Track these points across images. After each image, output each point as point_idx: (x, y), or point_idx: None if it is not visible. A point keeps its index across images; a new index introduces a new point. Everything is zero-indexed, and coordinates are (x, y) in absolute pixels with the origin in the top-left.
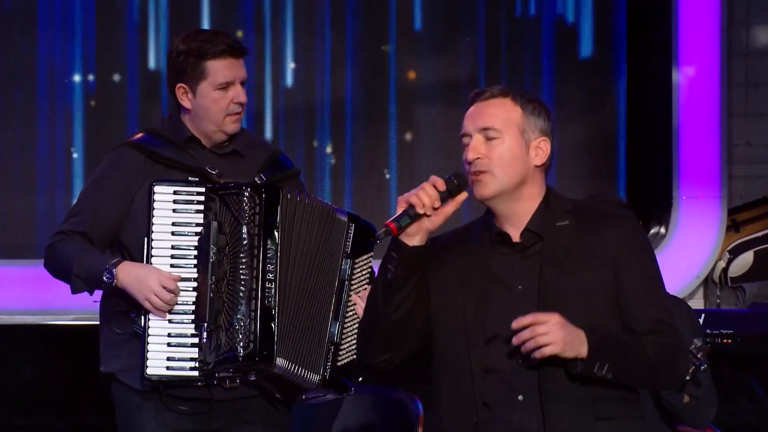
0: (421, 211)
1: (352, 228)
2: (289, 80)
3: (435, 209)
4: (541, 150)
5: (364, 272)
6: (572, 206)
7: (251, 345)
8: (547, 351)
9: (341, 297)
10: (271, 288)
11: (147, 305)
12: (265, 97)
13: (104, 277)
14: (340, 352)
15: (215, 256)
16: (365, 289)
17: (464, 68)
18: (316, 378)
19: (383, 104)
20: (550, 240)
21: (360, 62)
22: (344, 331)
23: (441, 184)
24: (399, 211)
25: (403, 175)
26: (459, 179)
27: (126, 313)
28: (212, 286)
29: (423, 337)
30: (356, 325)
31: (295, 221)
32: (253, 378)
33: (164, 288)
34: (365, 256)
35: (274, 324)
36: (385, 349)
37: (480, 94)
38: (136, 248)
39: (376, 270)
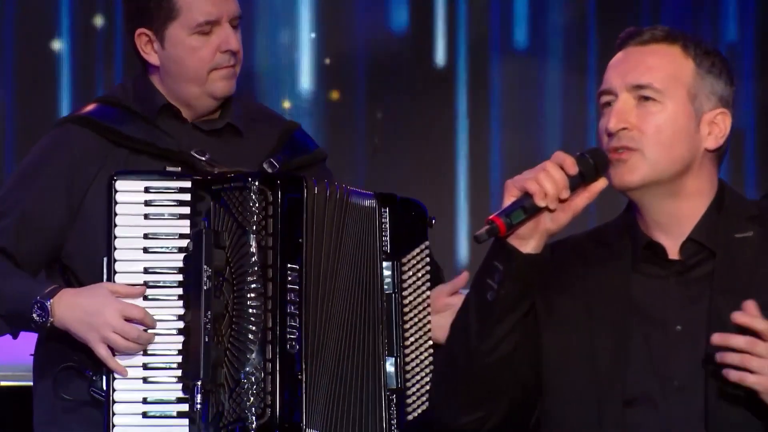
0: (542, 204)
1: (386, 213)
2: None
3: (561, 201)
4: (717, 127)
5: (420, 272)
6: (758, 210)
7: (268, 411)
8: (750, 380)
9: (392, 320)
10: (294, 326)
11: (101, 353)
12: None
13: (34, 314)
14: (408, 400)
15: (210, 282)
16: (426, 295)
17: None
18: None
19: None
20: (725, 258)
21: None
22: (407, 367)
23: (571, 165)
24: (507, 201)
25: (475, 161)
26: (597, 158)
27: (78, 371)
28: (207, 326)
29: (530, 388)
30: (425, 354)
31: (325, 226)
32: None
33: (129, 320)
34: (417, 250)
35: (302, 377)
36: (477, 404)
37: (635, 35)
38: (89, 272)
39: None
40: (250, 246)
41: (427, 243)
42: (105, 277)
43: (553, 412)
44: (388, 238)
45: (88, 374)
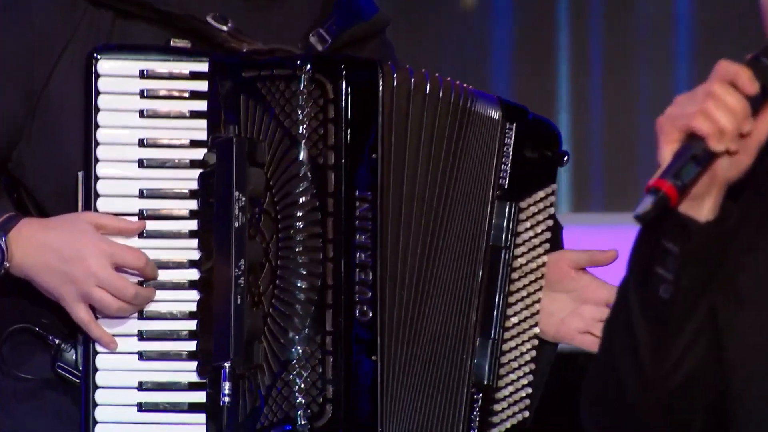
0: (720, 147)
1: (511, 132)
2: None
3: (742, 136)
4: None
5: (540, 225)
6: None
7: (328, 409)
8: None
9: (496, 285)
10: (366, 282)
11: (80, 316)
12: None
13: None
14: (497, 406)
15: (243, 216)
16: (542, 261)
17: None
18: None
19: None
20: None
21: None
22: (503, 358)
23: (747, 80)
24: (666, 151)
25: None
26: None
27: (38, 336)
28: (240, 280)
29: (717, 407)
30: (528, 345)
31: (409, 135)
32: None
33: (121, 269)
34: (541, 194)
35: (377, 359)
36: None
37: None
38: (54, 193)
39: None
40: (302, 164)
41: (554, 187)
42: (81, 201)
43: (745, 418)
44: (508, 168)
45: (52, 342)
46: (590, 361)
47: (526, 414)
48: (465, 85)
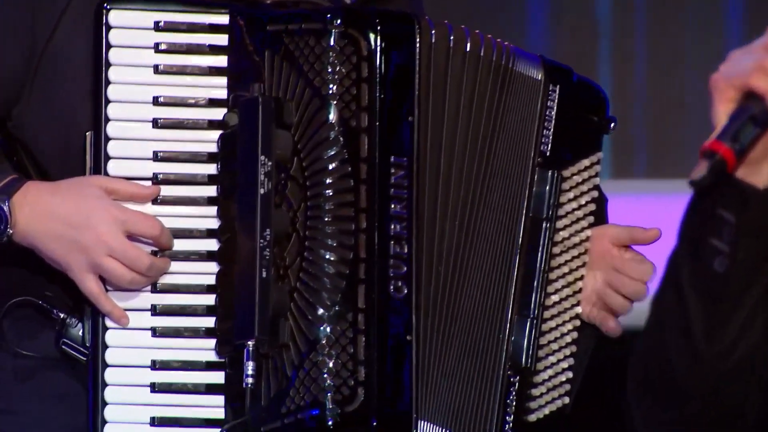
0: None
1: (555, 95)
2: None
3: None
4: None
5: (584, 197)
6: None
7: (360, 392)
8: None
9: (536, 262)
10: (401, 256)
11: (89, 288)
12: None
13: None
14: (534, 389)
15: (270, 182)
16: (585, 235)
17: None
18: None
19: None
20: None
21: None
22: (542, 339)
23: None
24: (722, 110)
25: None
26: None
27: (44, 310)
28: (265, 251)
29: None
30: (568, 326)
31: (448, 97)
32: None
33: (134, 237)
34: (586, 162)
35: (411, 339)
36: (710, 428)
37: None
38: (58, 155)
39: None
40: (332, 126)
41: (600, 155)
42: (90, 164)
43: None
44: (550, 134)
45: (57, 316)
46: (635, 341)
47: (566, 400)
48: (506, 43)
